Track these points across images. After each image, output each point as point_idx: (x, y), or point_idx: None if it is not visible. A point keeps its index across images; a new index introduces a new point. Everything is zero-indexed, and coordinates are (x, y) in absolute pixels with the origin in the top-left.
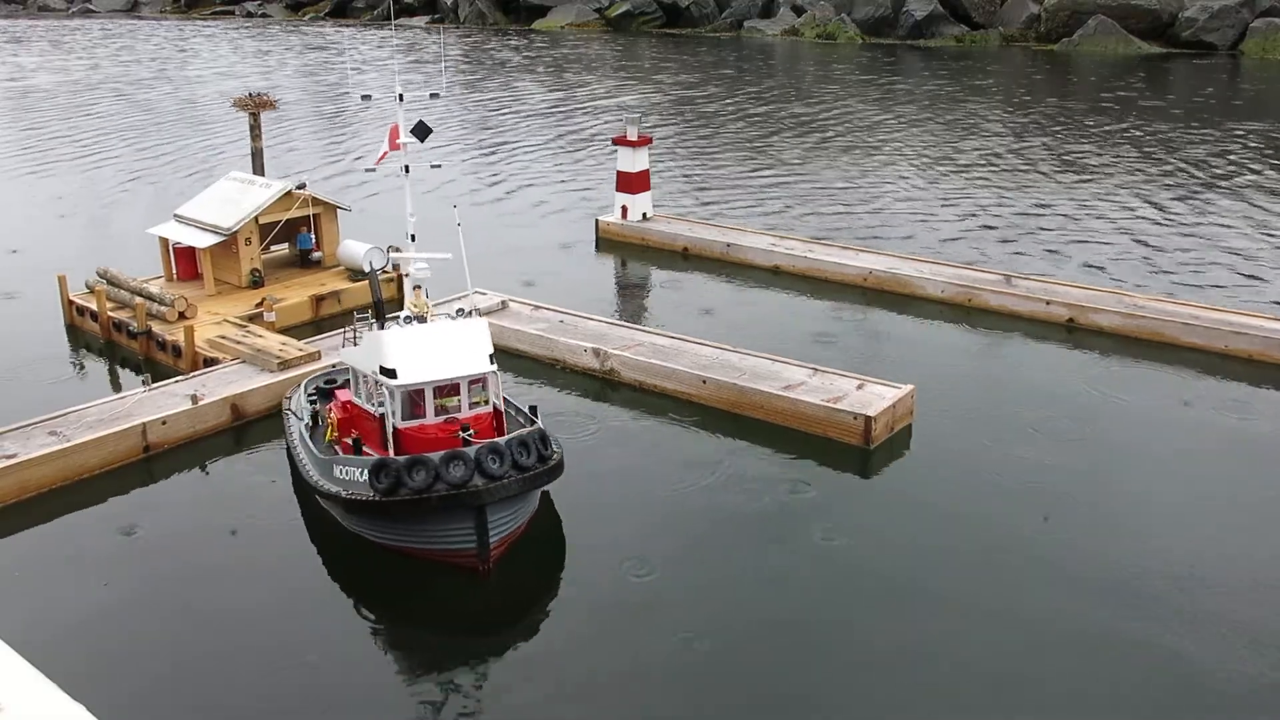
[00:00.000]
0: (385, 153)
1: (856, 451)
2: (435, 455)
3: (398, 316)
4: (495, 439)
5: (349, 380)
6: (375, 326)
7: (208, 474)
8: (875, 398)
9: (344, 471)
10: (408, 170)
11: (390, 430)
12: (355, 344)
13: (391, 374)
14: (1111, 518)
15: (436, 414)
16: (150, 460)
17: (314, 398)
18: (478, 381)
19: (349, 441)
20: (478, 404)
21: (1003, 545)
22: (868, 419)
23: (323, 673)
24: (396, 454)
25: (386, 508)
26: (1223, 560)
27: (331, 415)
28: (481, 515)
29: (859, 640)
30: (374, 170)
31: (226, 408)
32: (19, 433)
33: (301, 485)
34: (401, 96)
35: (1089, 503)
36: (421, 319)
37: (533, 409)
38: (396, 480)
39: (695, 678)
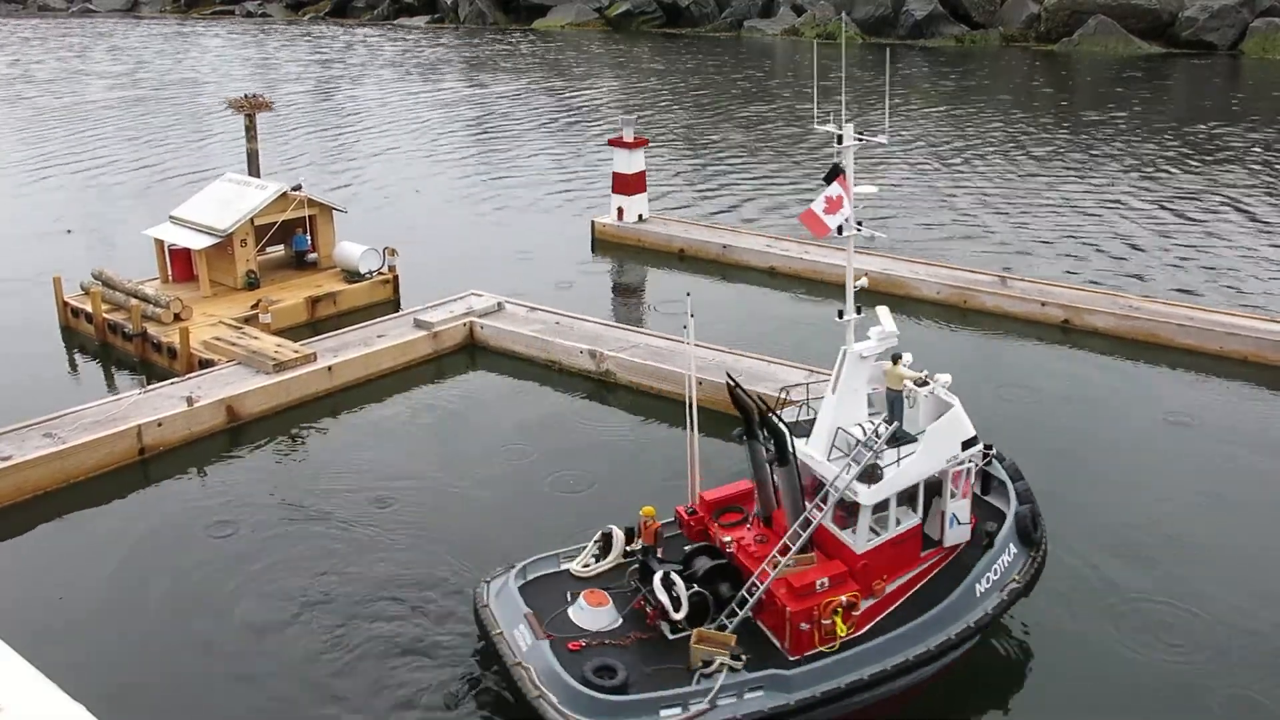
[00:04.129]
0: (834, 202)
1: None
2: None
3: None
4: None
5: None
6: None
7: (204, 476)
8: None
9: None
10: (846, 230)
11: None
12: (877, 469)
13: (987, 445)
14: (1107, 518)
15: None
16: (146, 462)
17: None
18: None
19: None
20: None
21: None
22: None
23: (321, 673)
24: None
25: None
26: (1223, 559)
27: (835, 605)
28: None
29: None
30: (844, 234)
31: (222, 409)
32: (14, 435)
33: None
34: (861, 136)
35: (1084, 503)
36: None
37: None
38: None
39: None
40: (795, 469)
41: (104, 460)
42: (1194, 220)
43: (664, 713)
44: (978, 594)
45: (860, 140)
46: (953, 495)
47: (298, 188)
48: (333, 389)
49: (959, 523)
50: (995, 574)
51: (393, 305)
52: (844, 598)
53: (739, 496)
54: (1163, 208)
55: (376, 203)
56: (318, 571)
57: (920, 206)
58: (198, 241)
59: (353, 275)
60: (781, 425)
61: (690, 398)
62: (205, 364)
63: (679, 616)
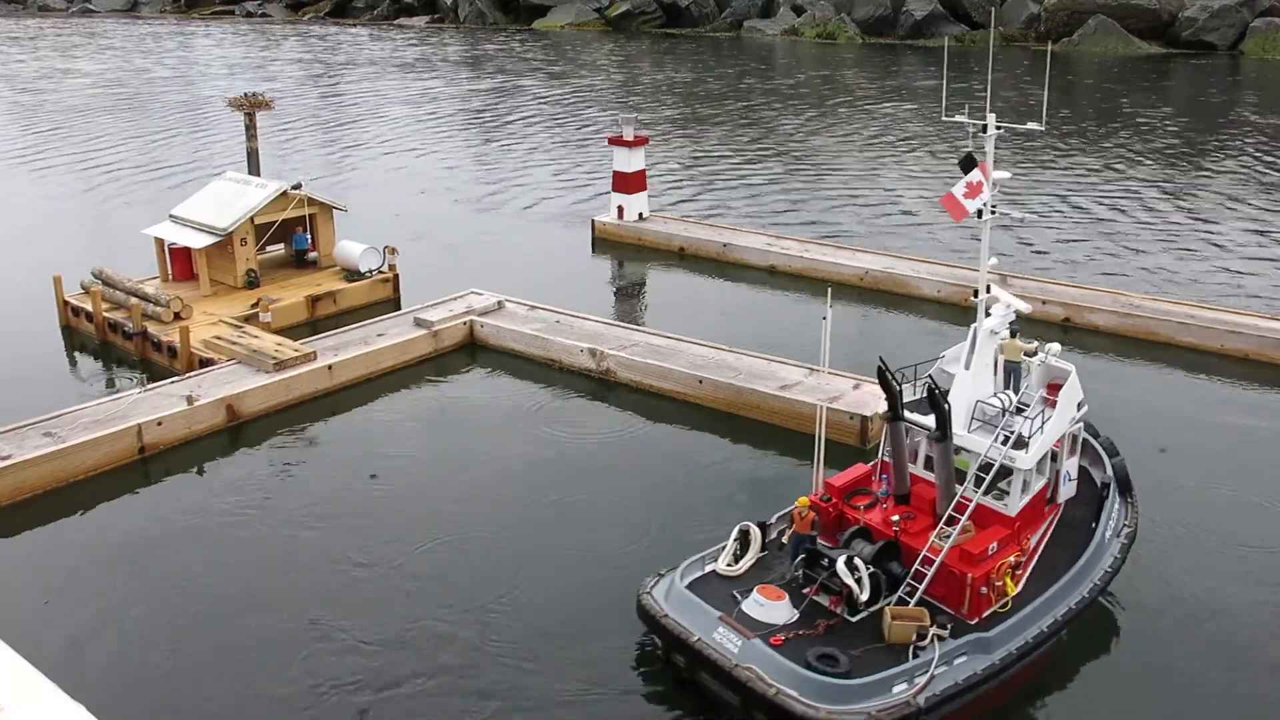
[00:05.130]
0: (975, 187)
1: (853, 451)
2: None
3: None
4: None
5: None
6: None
7: (203, 475)
8: (872, 397)
9: None
10: (985, 214)
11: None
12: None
13: None
14: None
15: None
16: (146, 461)
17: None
18: None
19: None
20: None
21: None
22: (864, 419)
23: (320, 671)
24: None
25: None
26: (1224, 557)
27: (1005, 567)
28: None
29: None
30: (984, 218)
31: (222, 408)
32: (14, 434)
33: None
34: (1000, 126)
35: None
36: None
37: None
38: None
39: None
40: (951, 444)
41: (104, 459)
42: (1194, 218)
43: (895, 689)
44: (1106, 540)
45: (1000, 130)
46: (1067, 454)
47: (298, 186)
48: (333, 388)
49: (1069, 479)
50: (1114, 522)
51: (393, 304)
52: (1011, 558)
53: (861, 480)
54: (1163, 206)
55: (376, 201)
56: (321, 571)
57: (920, 204)
58: (198, 240)
59: (353, 274)
60: (945, 402)
61: (821, 417)
62: (205, 363)
63: (866, 598)
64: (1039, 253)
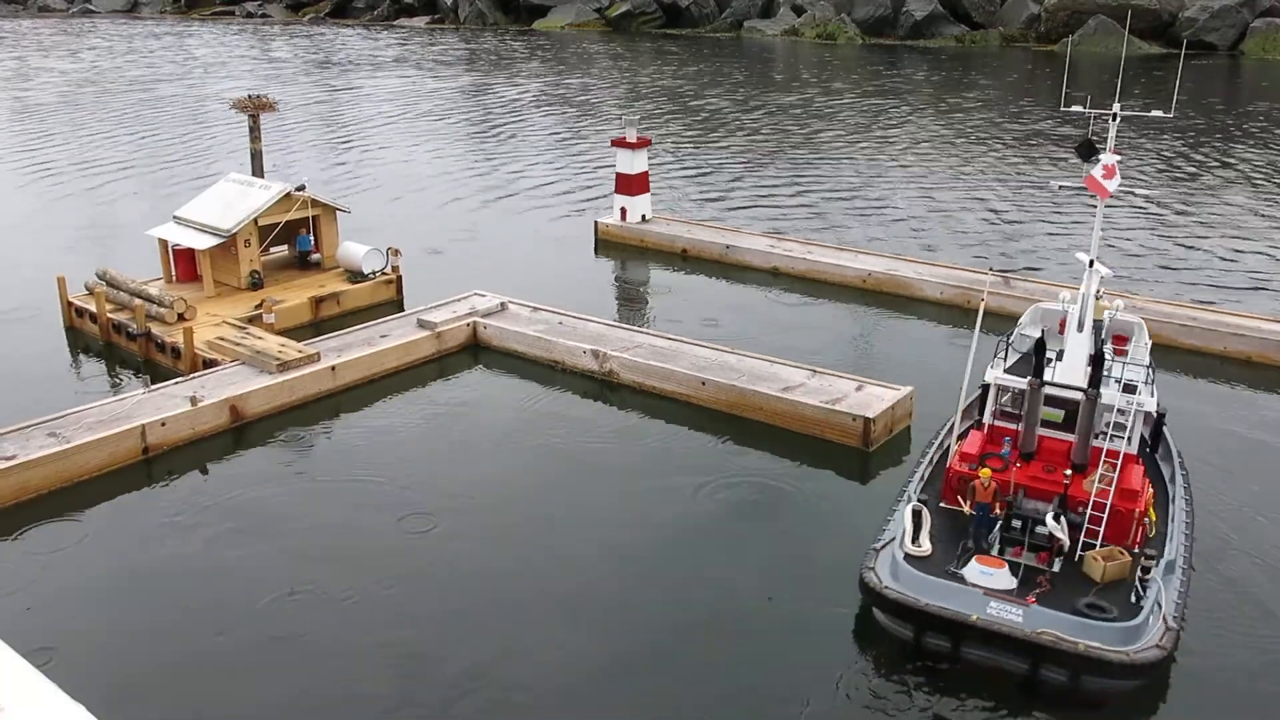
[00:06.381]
0: (1110, 169)
1: (855, 453)
2: None
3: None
4: None
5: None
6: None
7: (207, 475)
8: (874, 399)
9: None
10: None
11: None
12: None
13: None
14: None
15: None
16: (150, 462)
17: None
18: None
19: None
20: None
21: None
22: (866, 420)
23: (322, 673)
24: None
25: None
26: (1227, 556)
27: (1149, 499)
28: None
29: (860, 640)
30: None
31: (226, 409)
32: (18, 434)
33: None
34: (1123, 114)
35: None
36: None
37: None
38: None
39: (683, 678)
40: (1100, 399)
41: (108, 460)
42: (1195, 220)
43: (1150, 620)
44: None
45: (1118, 117)
46: None
47: (301, 188)
48: (336, 389)
49: None
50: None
51: (396, 305)
52: (1150, 491)
53: (983, 446)
54: (1162, 208)
55: (380, 203)
56: (323, 569)
57: (923, 207)
58: (202, 241)
59: (356, 275)
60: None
61: (963, 389)
62: (209, 364)
63: (1067, 546)
64: (1041, 252)
